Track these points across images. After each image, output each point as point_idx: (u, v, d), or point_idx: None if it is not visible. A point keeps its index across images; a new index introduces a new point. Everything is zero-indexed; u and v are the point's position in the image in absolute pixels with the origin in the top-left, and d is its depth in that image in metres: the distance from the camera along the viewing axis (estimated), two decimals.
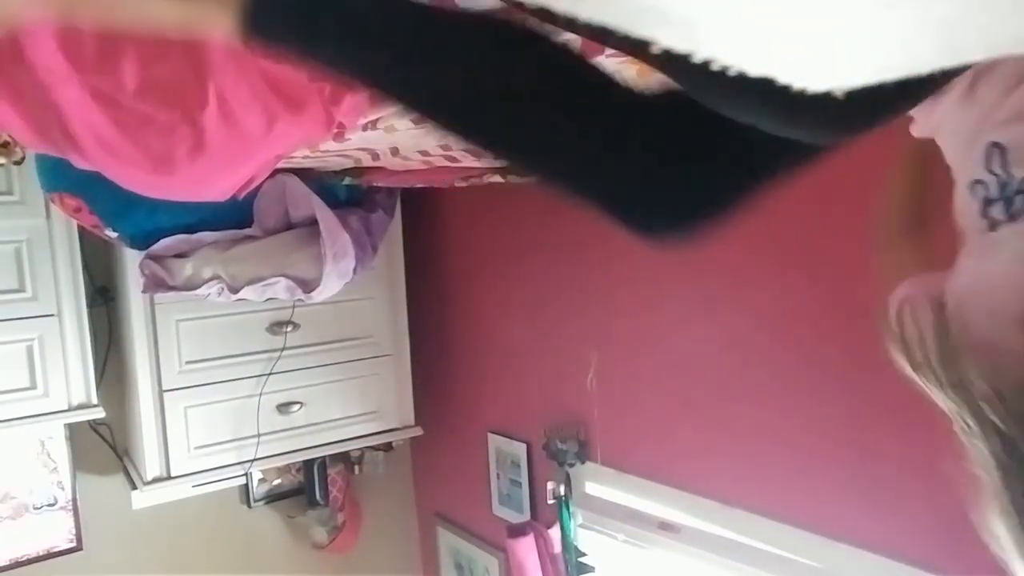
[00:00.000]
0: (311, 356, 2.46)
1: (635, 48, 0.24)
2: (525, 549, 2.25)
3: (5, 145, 1.71)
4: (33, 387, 2.11)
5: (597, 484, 2.23)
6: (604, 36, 0.23)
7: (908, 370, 0.68)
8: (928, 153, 0.92)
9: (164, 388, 2.24)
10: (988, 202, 0.62)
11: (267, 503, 2.76)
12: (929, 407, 0.62)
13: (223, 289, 2.10)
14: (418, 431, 2.68)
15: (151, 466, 2.24)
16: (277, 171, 1.88)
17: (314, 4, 0.60)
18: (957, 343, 0.54)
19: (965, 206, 0.65)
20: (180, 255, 2.12)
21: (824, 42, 0.23)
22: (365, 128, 1.25)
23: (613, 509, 2.17)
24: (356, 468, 2.85)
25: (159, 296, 2.16)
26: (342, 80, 0.81)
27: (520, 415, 2.50)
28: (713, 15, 0.21)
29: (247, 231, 2.21)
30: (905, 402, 0.68)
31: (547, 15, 0.23)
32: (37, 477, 2.36)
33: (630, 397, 2.09)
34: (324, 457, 2.64)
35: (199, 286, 2.09)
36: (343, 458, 2.80)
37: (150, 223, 2.03)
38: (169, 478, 2.26)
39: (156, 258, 2.09)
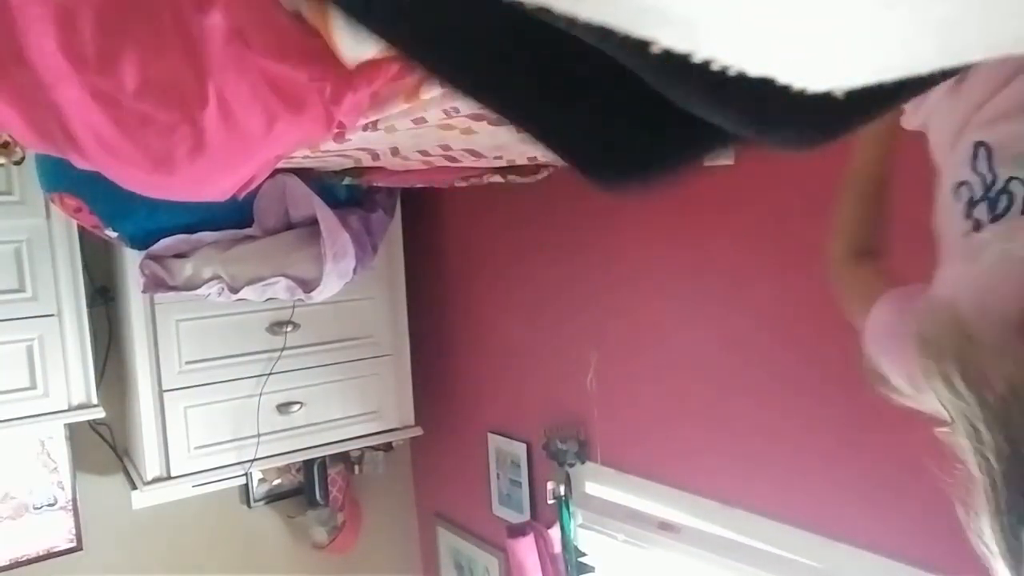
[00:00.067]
0: (311, 356, 2.46)
1: (635, 48, 0.24)
2: (525, 549, 2.25)
3: (5, 145, 1.71)
4: (33, 387, 2.11)
5: (597, 484, 2.23)
6: (604, 36, 0.23)
7: (883, 384, 0.68)
8: (877, 177, 0.92)
9: (164, 388, 2.24)
10: (972, 203, 0.62)
11: (267, 503, 2.77)
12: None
13: (223, 289, 2.10)
14: (418, 431, 2.68)
15: (151, 466, 2.24)
16: (277, 171, 1.88)
17: None
18: (976, 342, 0.54)
19: (948, 209, 0.65)
20: (180, 255, 2.12)
21: (824, 42, 0.23)
22: (365, 128, 1.25)
23: (613, 509, 2.17)
24: (356, 468, 2.85)
25: (159, 296, 2.17)
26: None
27: (520, 415, 2.50)
28: (713, 15, 0.21)
29: (247, 231, 2.21)
30: None
31: (547, 15, 0.23)
32: (37, 477, 2.36)
33: (630, 397, 2.09)
34: (324, 457, 2.64)
35: (199, 286, 2.09)
36: (343, 458, 2.80)
37: (150, 223, 2.03)
38: (169, 478, 2.27)
39: (156, 258, 2.09)
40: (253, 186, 1.41)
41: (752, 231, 1.75)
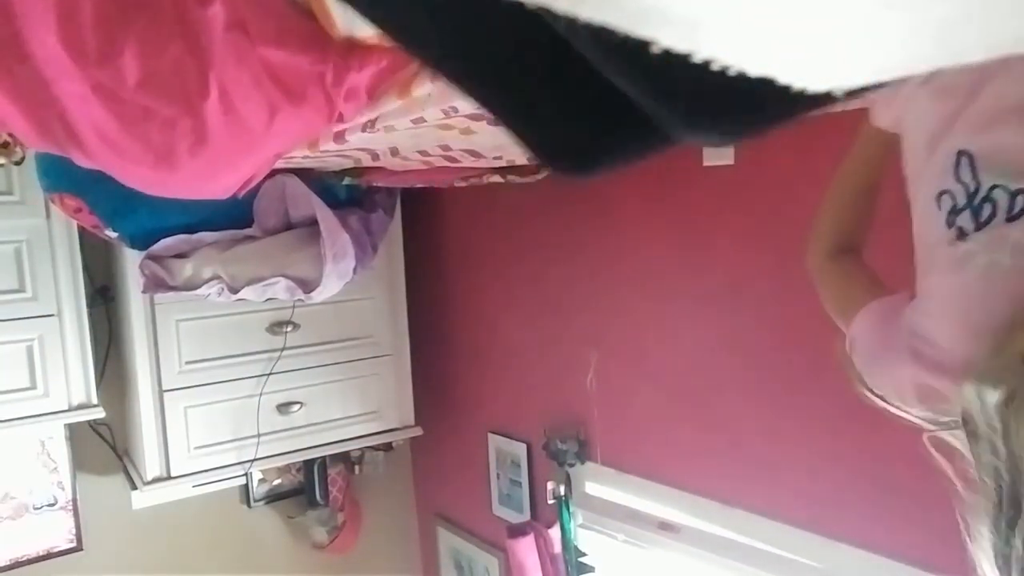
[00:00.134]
0: (311, 356, 2.46)
1: (635, 48, 0.24)
2: (525, 549, 2.25)
3: (5, 145, 1.71)
4: (33, 387, 2.11)
5: (597, 484, 2.23)
6: (604, 36, 0.23)
7: (863, 385, 0.69)
8: (870, 176, 0.92)
9: (164, 388, 2.24)
10: (955, 211, 0.61)
11: (267, 503, 2.77)
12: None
13: (223, 289, 2.10)
14: (418, 431, 2.68)
15: (151, 466, 2.24)
16: (277, 171, 1.88)
17: None
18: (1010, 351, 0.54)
19: (930, 217, 0.64)
20: (180, 255, 2.12)
21: (824, 42, 0.23)
22: (364, 129, 1.25)
23: (613, 509, 2.17)
24: (356, 468, 2.85)
25: (159, 296, 2.17)
26: None
27: (520, 415, 2.50)
28: (714, 15, 0.21)
29: (247, 231, 2.21)
30: None
31: (547, 15, 0.23)
32: (37, 477, 2.36)
33: (630, 397, 2.09)
34: (324, 457, 2.64)
35: (199, 286, 2.09)
36: (343, 458, 2.80)
37: (150, 223, 2.03)
38: (169, 478, 2.26)
39: (156, 258, 2.09)
40: (253, 184, 1.41)
41: (752, 231, 1.75)
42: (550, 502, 2.28)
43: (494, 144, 1.42)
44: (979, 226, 0.59)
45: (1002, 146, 0.59)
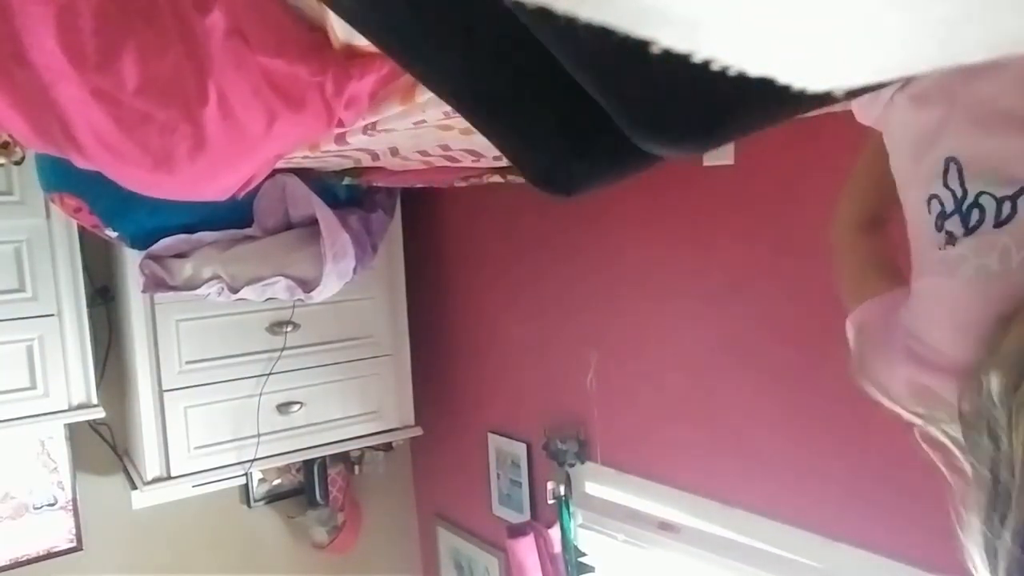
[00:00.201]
0: (311, 356, 2.46)
1: (635, 48, 0.24)
2: (525, 549, 2.25)
3: (5, 145, 1.71)
4: (33, 387, 2.11)
5: (597, 484, 2.23)
6: (604, 36, 0.23)
7: (864, 376, 0.70)
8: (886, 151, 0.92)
9: (164, 388, 2.24)
10: (943, 216, 0.62)
11: (267, 503, 2.77)
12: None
13: (223, 289, 2.10)
14: (418, 431, 2.68)
15: (151, 466, 2.24)
16: (277, 171, 1.88)
17: None
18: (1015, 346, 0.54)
19: (921, 219, 0.65)
20: (180, 255, 2.12)
21: (824, 42, 0.23)
22: (365, 131, 1.25)
23: (613, 509, 2.17)
24: (356, 468, 2.85)
25: (159, 296, 2.17)
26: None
27: (520, 415, 2.50)
28: (714, 15, 0.21)
29: (247, 231, 2.21)
30: None
31: (547, 15, 0.23)
32: (37, 477, 2.36)
33: (630, 397, 2.09)
34: (324, 457, 2.64)
35: (199, 286, 2.09)
36: (343, 458, 2.80)
37: (150, 223, 2.03)
38: (169, 478, 2.26)
39: (156, 258, 2.09)
40: (253, 185, 1.41)
41: (752, 231, 1.75)
42: (550, 502, 2.28)
43: (493, 145, 1.42)
44: (968, 231, 0.60)
45: (989, 154, 0.60)
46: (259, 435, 2.35)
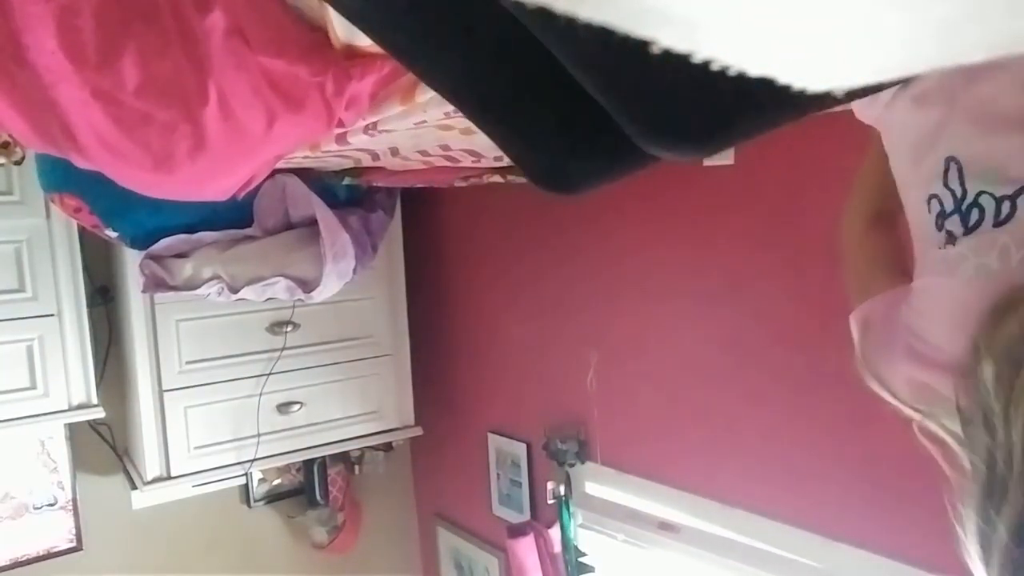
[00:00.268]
0: (311, 356, 2.46)
1: (635, 48, 0.24)
2: (525, 549, 2.25)
3: (5, 145, 1.71)
4: (33, 387, 2.11)
5: (597, 484, 2.23)
6: (604, 36, 0.23)
7: (867, 372, 0.70)
8: None
9: (164, 388, 2.24)
10: (943, 215, 0.63)
11: (267, 503, 2.77)
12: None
13: (223, 289, 2.10)
14: (418, 431, 2.68)
15: (151, 466, 2.24)
16: (277, 171, 1.88)
17: None
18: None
19: (921, 218, 0.66)
20: (180, 255, 2.12)
21: (824, 42, 0.23)
22: (366, 131, 1.25)
23: (613, 509, 2.17)
24: (356, 468, 2.85)
25: (159, 296, 2.17)
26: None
27: (520, 415, 2.50)
28: (714, 15, 0.21)
29: (247, 231, 2.21)
30: None
31: (547, 15, 0.23)
32: (37, 477, 2.36)
33: (630, 397, 2.09)
34: (324, 457, 2.64)
35: (199, 286, 2.09)
36: (343, 458, 2.80)
37: (150, 223, 2.03)
38: (169, 478, 2.27)
39: (156, 258, 2.09)
40: (253, 186, 1.41)
41: (752, 231, 1.75)
42: (550, 502, 2.28)
43: (494, 144, 1.42)
44: (968, 231, 0.60)
45: (989, 153, 0.60)
46: (259, 435, 2.35)
